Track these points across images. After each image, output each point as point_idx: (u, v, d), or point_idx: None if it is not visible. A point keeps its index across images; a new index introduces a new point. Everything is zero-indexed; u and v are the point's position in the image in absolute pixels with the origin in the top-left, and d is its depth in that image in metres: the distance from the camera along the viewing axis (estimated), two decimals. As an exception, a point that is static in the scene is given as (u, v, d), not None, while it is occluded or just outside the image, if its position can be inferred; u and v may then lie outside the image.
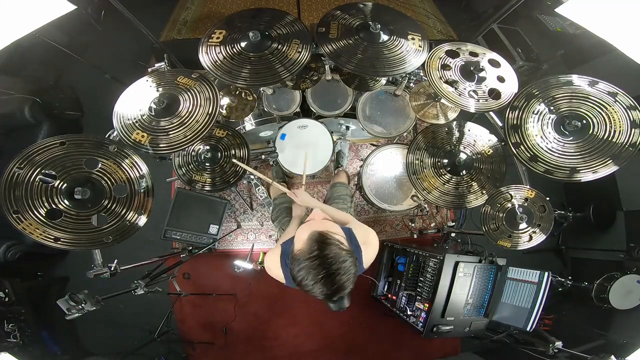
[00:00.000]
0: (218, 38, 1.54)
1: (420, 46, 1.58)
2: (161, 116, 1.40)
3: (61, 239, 1.28)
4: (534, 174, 1.48)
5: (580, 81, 1.48)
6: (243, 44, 1.51)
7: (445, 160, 1.85)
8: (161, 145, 1.37)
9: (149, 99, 1.43)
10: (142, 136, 1.37)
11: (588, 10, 1.53)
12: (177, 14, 3.79)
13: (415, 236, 2.94)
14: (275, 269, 1.29)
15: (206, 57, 1.49)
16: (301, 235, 1.08)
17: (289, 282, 1.25)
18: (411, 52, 1.56)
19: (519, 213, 1.73)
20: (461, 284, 2.18)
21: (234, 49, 1.51)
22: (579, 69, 3.23)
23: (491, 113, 1.85)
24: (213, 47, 1.51)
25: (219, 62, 1.48)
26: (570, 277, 2.66)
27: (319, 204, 1.58)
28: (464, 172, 1.83)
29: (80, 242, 1.31)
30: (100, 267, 1.64)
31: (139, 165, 1.46)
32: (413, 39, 1.59)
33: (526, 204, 1.78)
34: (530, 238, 1.78)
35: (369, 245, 1.30)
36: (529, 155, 1.46)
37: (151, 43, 2.48)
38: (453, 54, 1.65)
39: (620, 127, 1.37)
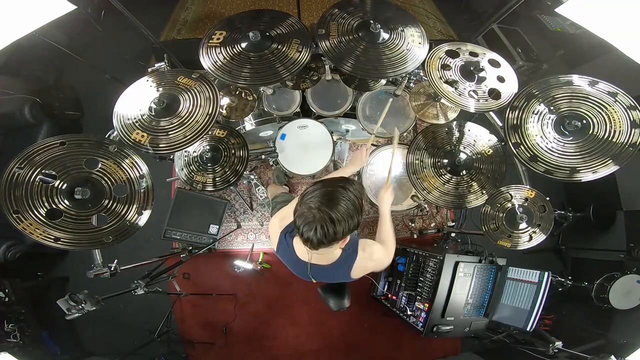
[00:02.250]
0: (218, 39, 1.54)
1: (420, 43, 1.58)
2: (161, 116, 1.41)
3: (61, 239, 1.28)
4: (534, 174, 1.48)
5: (580, 81, 1.48)
6: (243, 45, 1.51)
7: (445, 160, 1.85)
8: (161, 145, 1.37)
9: (149, 99, 1.43)
10: (142, 136, 1.38)
11: (588, 10, 1.53)
12: (177, 14, 3.79)
13: (415, 236, 2.95)
14: (274, 233, 1.37)
15: (207, 59, 1.49)
16: None
17: (278, 251, 1.35)
18: (412, 50, 1.56)
19: (519, 213, 1.73)
20: (461, 284, 2.18)
21: (235, 49, 1.51)
22: (579, 69, 3.23)
23: (491, 113, 1.85)
24: (213, 48, 1.51)
25: (220, 62, 1.48)
26: (570, 277, 2.67)
27: (387, 209, 1.49)
28: (464, 172, 1.83)
29: (80, 242, 1.32)
30: (100, 267, 1.64)
31: (139, 165, 1.46)
32: (412, 35, 1.59)
33: (526, 204, 1.78)
34: (530, 238, 1.78)
35: (368, 258, 1.27)
36: (529, 155, 1.46)
37: (151, 43, 2.48)
38: (453, 54, 1.64)
39: (620, 127, 1.37)
